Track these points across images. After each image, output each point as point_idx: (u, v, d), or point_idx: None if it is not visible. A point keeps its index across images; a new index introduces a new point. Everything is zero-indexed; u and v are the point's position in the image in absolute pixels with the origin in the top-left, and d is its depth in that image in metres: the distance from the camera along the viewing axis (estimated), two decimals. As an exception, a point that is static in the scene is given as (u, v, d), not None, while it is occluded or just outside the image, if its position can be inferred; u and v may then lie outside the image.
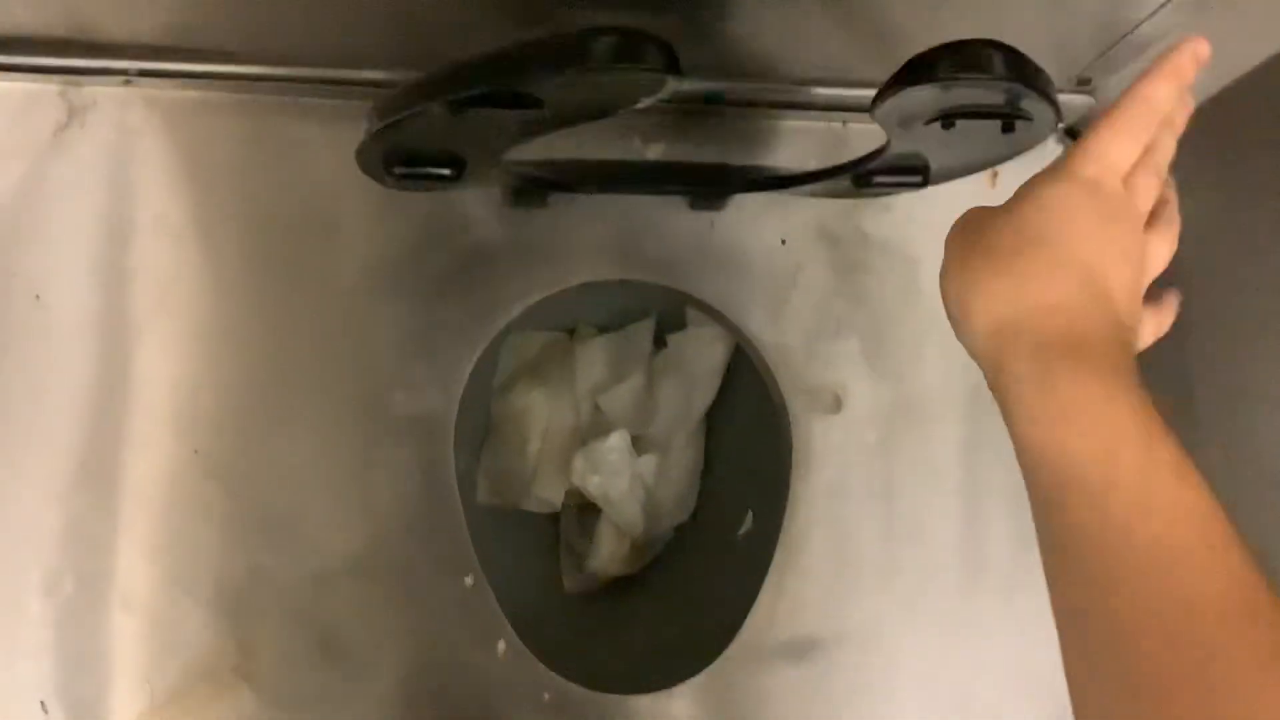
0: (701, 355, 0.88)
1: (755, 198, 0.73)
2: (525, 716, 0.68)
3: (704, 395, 0.89)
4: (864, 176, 0.66)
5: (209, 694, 0.64)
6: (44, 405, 0.64)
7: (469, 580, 0.68)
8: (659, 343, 0.91)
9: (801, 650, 0.71)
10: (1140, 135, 0.49)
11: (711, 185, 0.72)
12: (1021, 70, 0.51)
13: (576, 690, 0.68)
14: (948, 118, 0.54)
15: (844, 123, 0.75)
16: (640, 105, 0.51)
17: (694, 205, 0.73)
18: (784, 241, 0.75)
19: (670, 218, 0.73)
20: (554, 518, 0.92)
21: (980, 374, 0.48)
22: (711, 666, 0.70)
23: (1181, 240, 0.52)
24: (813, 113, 0.74)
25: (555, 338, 0.93)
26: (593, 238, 0.72)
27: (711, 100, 0.71)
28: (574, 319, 0.93)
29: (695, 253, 0.73)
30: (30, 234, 0.65)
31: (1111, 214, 0.48)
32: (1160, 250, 0.51)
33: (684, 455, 0.89)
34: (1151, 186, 0.50)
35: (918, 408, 0.75)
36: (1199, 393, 0.72)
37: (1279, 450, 0.65)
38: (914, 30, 0.53)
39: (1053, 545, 0.43)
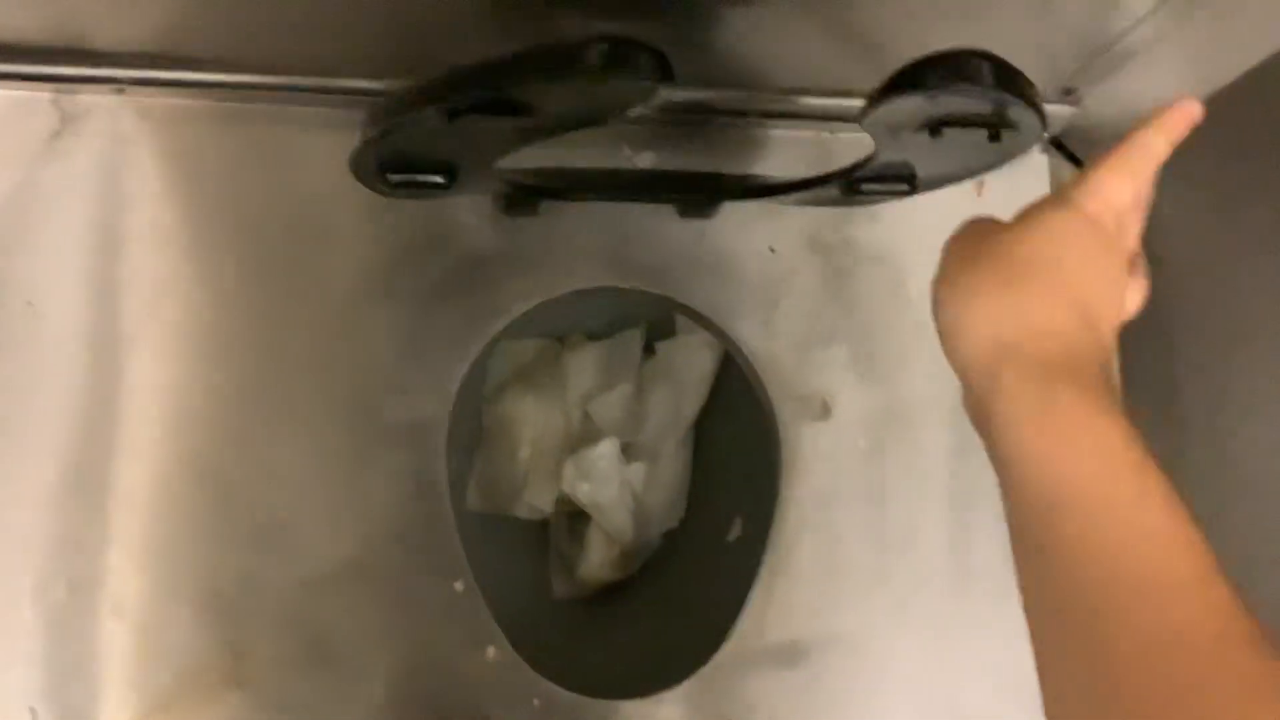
0: (691, 362, 0.88)
1: (745, 206, 0.74)
2: (515, 722, 0.68)
3: (693, 402, 0.89)
4: (852, 185, 0.66)
5: (200, 699, 0.64)
6: (36, 412, 0.64)
7: (459, 585, 0.68)
8: (649, 350, 0.91)
9: (791, 655, 0.72)
10: (1136, 178, 0.50)
11: (701, 193, 0.73)
12: (1008, 80, 0.51)
13: (566, 695, 0.68)
14: (935, 126, 0.55)
15: (832, 132, 0.76)
16: (633, 112, 0.51)
17: (684, 213, 0.73)
18: (773, 249, 0.75)
19: (660, 226, 0.73)
20: (544, 524, 0.92)
21: (967, 382, 0.48)
22: (701, 672, 0.70)
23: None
24: (801, 122, 0.75)
25: (546, 345, 0.93)
26: (584, 245, 0.73)
27: (701, 110, 0.72)
28: (565, 326, 0.94)
29: (685, 260, 0.74)
30: (23, 241, 0.65)
31: (1106, 249, 0.49)
32: (1135, 297, 0.53)
33: (673, 462, 0.90)
34: (1137, 230, 0.53)
35: (906, 414, 0.75)
36: (1184, 397, 0.72)
37: (1264, 455, 0.65)
38: (901, 41, 0.53)
39: (1036, 563, 0.43)
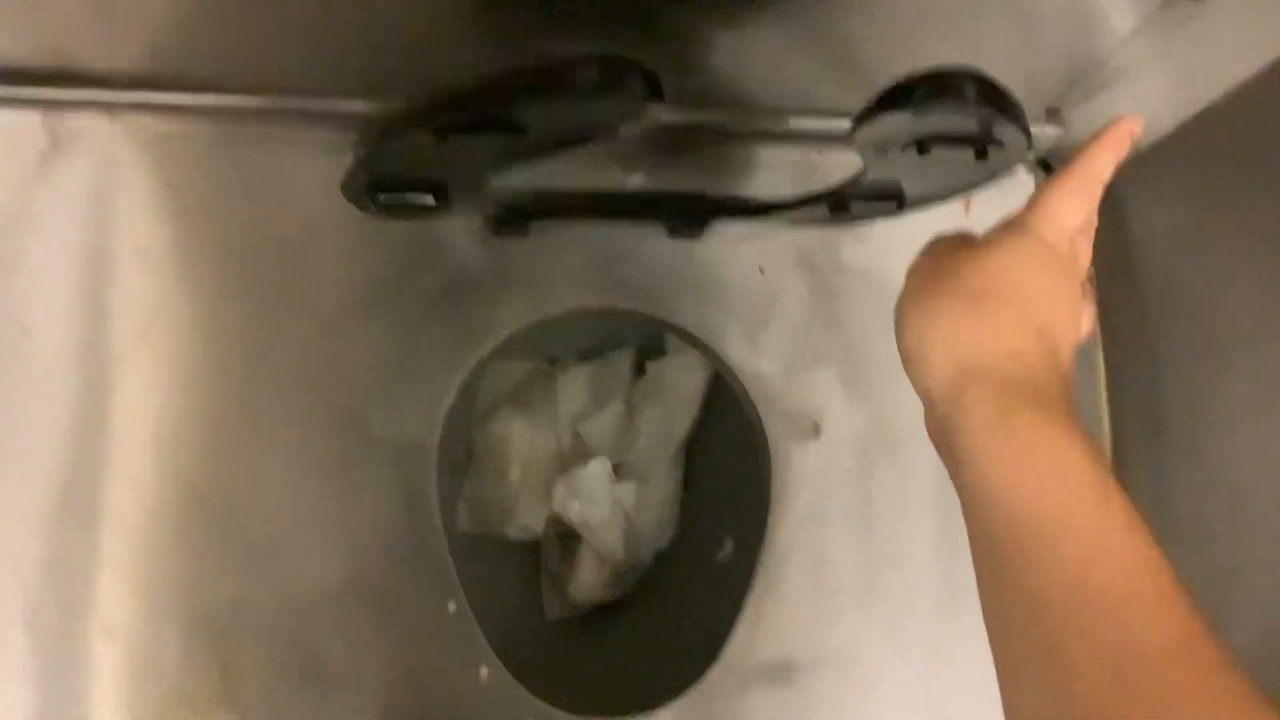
0: (681, 382, 0.89)
1: (734, 226, 0.74)
2: (508, 742, 0.68)
3: (683, 422, 0.89)
4: (841, 203, 0.67)
5: (191, 721, 0.64)
6: (26, 434, 0.64)
7: (452, 606, 0.68)
8: (639, 370, 0.92)
9: (782, 673, 0.72)
10: (1088, 200, 0.51)
11: (690, 213, 0.73)
12: (995, 97, 0.52)
13: (559, 715, 0.68)
14: (922, 144, 0.55)
15: (820, 152, 0.76)
16: (623, 130, 0.52)
17: (673, 233, 0.74)
18: (762, 269, 0.75)
19: (650, 246, 0.74)
20: (535, 544, 0.92)
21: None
22: (692, 690, 0.70)
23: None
24: (790, 142, 0.75)
25: (536, 366, 0.93)
26: (573, 266, 0.73)
27: (691, 130, 0.72)
28: (555, 346, 0.94)
29: (674, 280, 0.74)
30: (13, 263, 0.65)
31: (1063, 273, 0.50)
32: (1087, 321, 0.54)
33: (664, 482, 0.90)
34: (1089, 253, 0.54)
35: (895, 433, 0.75)
36: (1166, 409, 0.73)
37: (1247, 466, 0.66)
38: (888, 63, 0.54)
39: (998, 582, 0.43)
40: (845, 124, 0.55)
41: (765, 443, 0.74)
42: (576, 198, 0.72)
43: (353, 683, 0.66)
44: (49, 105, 0.66)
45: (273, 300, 0.68)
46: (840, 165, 0.71)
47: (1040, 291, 0.48)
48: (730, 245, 0.75)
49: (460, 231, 0.71)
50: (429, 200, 0.60)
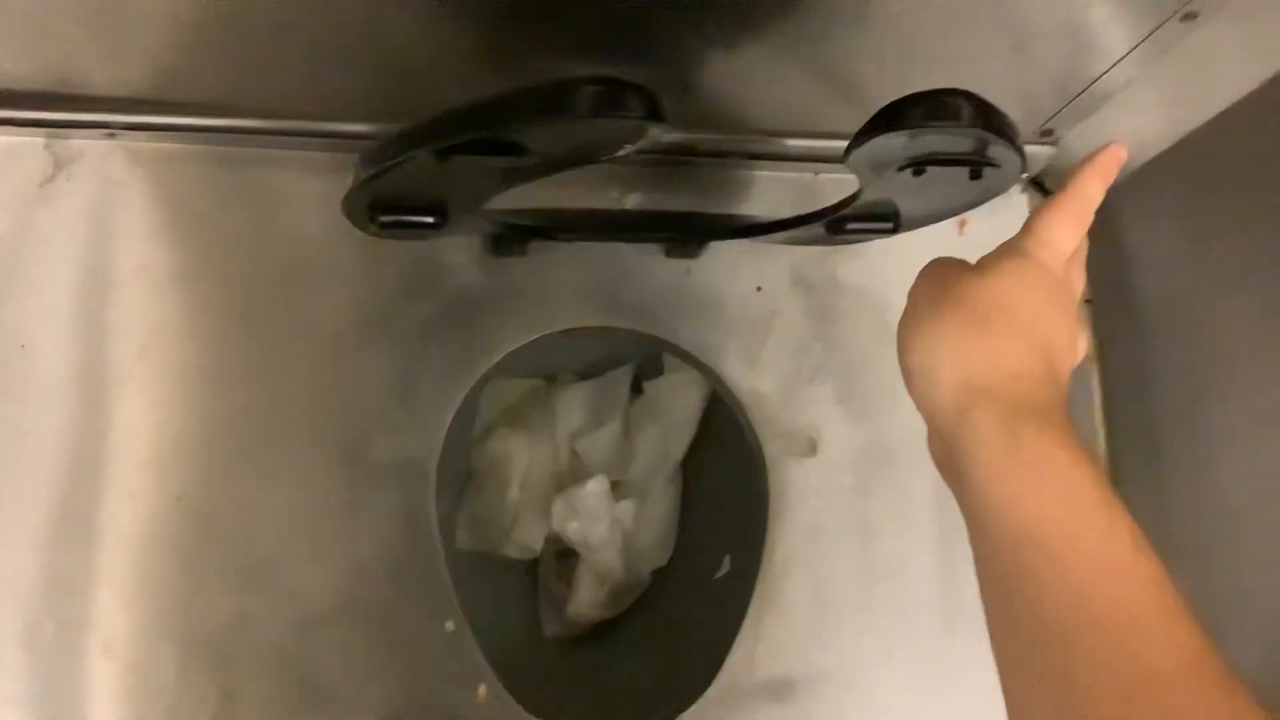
0: (678, 401, 0.89)
1: (731, 245, 0.75)
2: (507, 761, 0.68)
3: (681, 440, 0.90)
4: (837, 224, 0.67)
5: (190, 741, 0.64)
6: (26, 453, 0.65)
7: (450, 625, 0.68)
8: (637, 388, 0.92)
9: (781, 691, 0.72)
10: (1080, 224, 0.52)
11: (688, 233, 0.73)
12: (989, 118, 0.52)
13: (558, 734, 0.69)
14: (918, 164, 0.56)
15: (815, 173, 0.77)
16: (623, 152, 0.52)
17: (671, 253, 0.74)
18: (759, 288, 0.76)
19: (647, 266, 0.74)
20: (534, 563, 0.92)
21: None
22: (691, 709, 0.70)
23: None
24: (785, 163, 0.76)
25: (534, 385, 0.93)
26: (571, 285, 0.73)
27: (688, 151, 0.73)
28: (553, 365, 0.94)
29: (672, 300, 0.75)
30: (15, 284, 0.66)
31: (1060, 296, 0.50)
32: (1081, 344, 0.54)
33: (662, 500, 0.90)
34: (1082, 277, 0.55)
35: (893, 450, 0.76)
36: (1164, 429, 0.73)
37: (1242, 485, 0.66)
38: (883, 85, 0.54)
39: (1004, 601, 0.44)
40: (841, 145, 0.56)
41: (763, 460, 0.75)
42: (575, 218, 0.72)
43: (351, 701, 0.66)
44: (51, 127, 0.67)
45: (272, 319, 0.69)
46: (836, 185, 0.71)
47: (1040, 314, 0.49)
48: (728, 265, 0.75)
49: (460, 251, 0.71)
50: (429, 220, 0.60)
